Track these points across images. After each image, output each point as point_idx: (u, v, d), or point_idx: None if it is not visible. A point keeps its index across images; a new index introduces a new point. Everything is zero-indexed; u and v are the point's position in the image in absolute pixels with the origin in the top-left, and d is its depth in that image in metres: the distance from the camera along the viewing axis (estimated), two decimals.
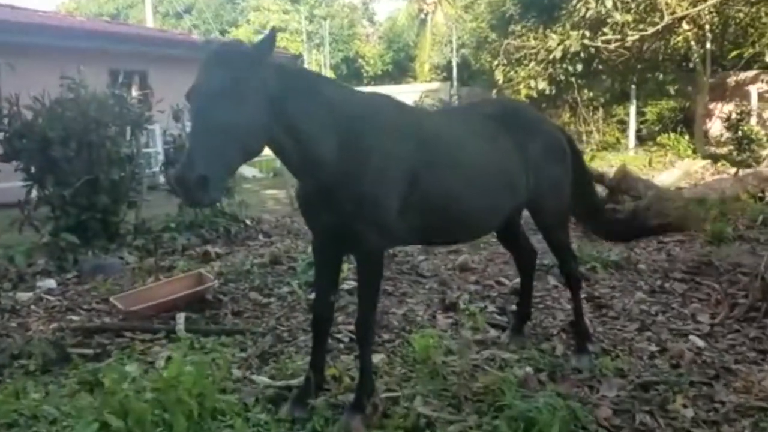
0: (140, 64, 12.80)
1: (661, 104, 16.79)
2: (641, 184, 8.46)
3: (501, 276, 5.09)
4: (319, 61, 27.97)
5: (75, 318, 4.32)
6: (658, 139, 16.01)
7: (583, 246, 5.65)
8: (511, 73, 16.20)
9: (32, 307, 4.58)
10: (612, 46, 14.47)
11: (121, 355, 3.54)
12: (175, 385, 2.58)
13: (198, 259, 5.85)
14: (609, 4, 13.35)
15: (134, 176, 6.60)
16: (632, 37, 14.23)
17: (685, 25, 14.30)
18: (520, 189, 3.19)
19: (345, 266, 4.61)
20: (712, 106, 15.98)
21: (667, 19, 13.60)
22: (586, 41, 14.21)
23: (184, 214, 6.84)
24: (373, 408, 2.76)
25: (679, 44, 15.17)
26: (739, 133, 13.19)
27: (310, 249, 4.11)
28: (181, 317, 4.00)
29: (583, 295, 3.89)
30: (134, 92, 9.74)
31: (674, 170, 11.88)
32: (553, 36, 14.83)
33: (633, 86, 16.32)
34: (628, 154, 15.32)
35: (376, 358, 3.29)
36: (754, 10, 13.80)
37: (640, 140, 16.78)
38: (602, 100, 17.54)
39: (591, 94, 17.24)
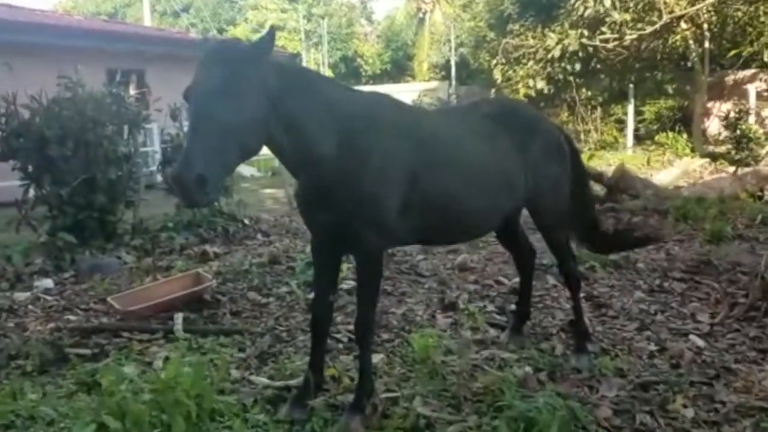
0: (138, 62, 12.77)
1: (660, 103, 16.81)
2: (639, 183, 8.48)
3: (500, 275, 5.08)
4: (317, 60, 27.94)
5: (72, 318, 4.30)
6: (657, 138, 16.02)
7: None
8: (510, 72, 16.20)
9: (30, 306, 4.55)
10: (610, 45, 14.48)
11: (119, 356, 3.53)
12: (173, 386, 2.56)
13: (196, 258, 5.83)
14: (607, 3, 13.36)
15: (131, 175, 6.58)
16: (630, 36, 14.23)
17: (683, 24, 14.31)
18: (519, 188, 3.18)
19: (344, 266, 4.59)
20: (710, 105, 15.99)
21: (665, 18, 13.61)
22: (584, 40, 14.21)
23: (182, 213, 6.82)
24: (373, 408, 2.75)
25: (678, 43, 15.18)
26: (738, 131, 13.20)
27: (308, 249, 4.09)
28: (179, 317, 3.98)
29: (582, 295, 3.88)
30: (131, 91, 9.70)
31: (673, 169, 11.90)
32: (552, 35, 14.82)
33: (631, 85, 16.34)
34: (626, 153, 15.33)
35: (376, 358, 3.28)
36: (752, 9, 13.81)
37: (638, 139, 16.79)
38: (600, 99, 17.56)
39: (589, 93, 17.26)
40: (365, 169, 2.58)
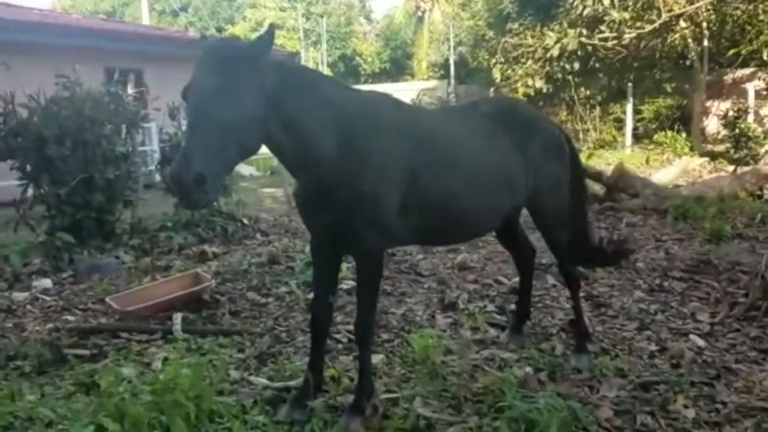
0: (136, 62, 12.74)
1: (658, 102, 16.83)
2: (639, 182, 8.47)
3: (500, 275, 5.07)
4: (316, 59, 27.92)
5: (71, 318, 4.28)
6: (655, 137, 16.03)
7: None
8: (509, 71, 16.21)
9: (28, 307, 4.54)
10: (609, 44, 14.49)
11: (118, 356, 3.51)
12: (172, 387, 2.55)
13: (195, 258, 5.81)
14: (606, 1, 13.37)
15: (130, 175, 6.55)
16: (629, 34, 14.24)
17: (682, 23, 14.32)
18: (519, 188, 3.17)
19: (344, 266, 4.58)
20: (709, 103, 16.01)
21: (664, 16, 13.62)
22: (583, 39, 14.21)
23: (181, 213, 6.79)
24: (373, 409, 2.74)
25: (676, 42, 15.19)
26: (737, 130, 13.21)
27: (308, 248, 4.07)
28: (177, 317, 3.96)
29: (581, 294, 3.87)
30: (130, 90, 9.68)
31: (672, 168, 11.90)
32: (551, 34, 14.82)
33: (630, 84, 16.35)
34: (625, 152, 15.33)
35: (376, 359, 3.27)
36: (751, 7, 13.82)
37: (637, 138, 16.80)
38: (599, 98, 17.57)
39: (588, 92, 17.28)
40: (365, 169, 2.56)
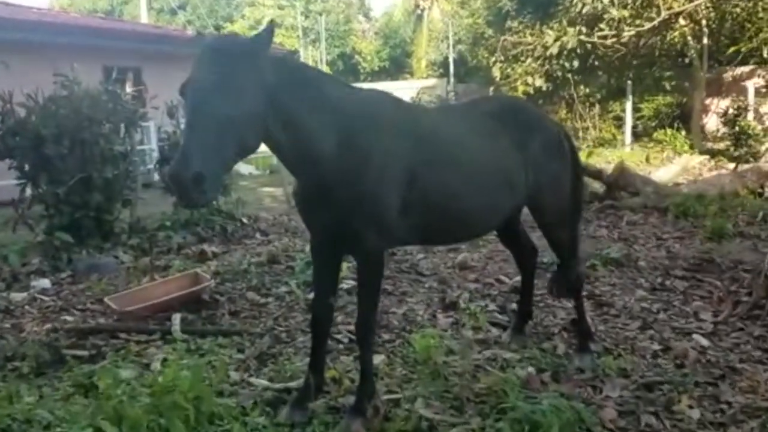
0: (134, 60, 12.70)
1: (658, 100, 16.81)
2: (639, 180, 8.44)
3: (501, 274, 5.05)
4: (315, 57, 27.85)
5: (69, 318, 4.25)
6: (655, 135, 16.01)
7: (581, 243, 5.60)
8: (508, 69, 16.18)
9: (26, 307, 4.51)
10: (608, 42, 14.47)
11: (116, 357, 3.49)
12: (171, 389, 2.52)
13: (194, 258, 5.78)
14: None
15: (128, 174, 6.52)
16: (629, 32, 14.23)
17: (681, 21, 14.30)
18: (519, 187, 3.14)
19: (344, 265, 4.55)
20: (708, 101, 16.00)
21: (663, 14, 13.61)
22: (582, 37, 14.20)
23: (180, 212, 6.76)
24: (374, 411, 2.72)
25: (676, 40, 15.18)
26: (736, 128, 13.20)
27: (308, 248, 4.05)
28: (177, 318, 3.93)
29: (583, 293, 3.84)
30: (128, 89, 9.64)
31: (672, 166, 11.88)
32: (550, 32, 14.81)
33: (629, 82, 16.32)
34: (625, 151, 15.31)
35: (377, 359, 3.23)
36: (751, 4, 13.81)
37: (636, 136, 16.78)
38: (598, 96, 17.55)
39: (587, 90, 17.25)
40: (365, 168, 2.54)
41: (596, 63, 15.64)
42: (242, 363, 3.37)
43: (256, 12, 30.35)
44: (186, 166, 2.07)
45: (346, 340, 3.67)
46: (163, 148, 8.30)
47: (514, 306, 4.08)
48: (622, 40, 14.52)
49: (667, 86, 15.96)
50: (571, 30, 14.34)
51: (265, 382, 3.10)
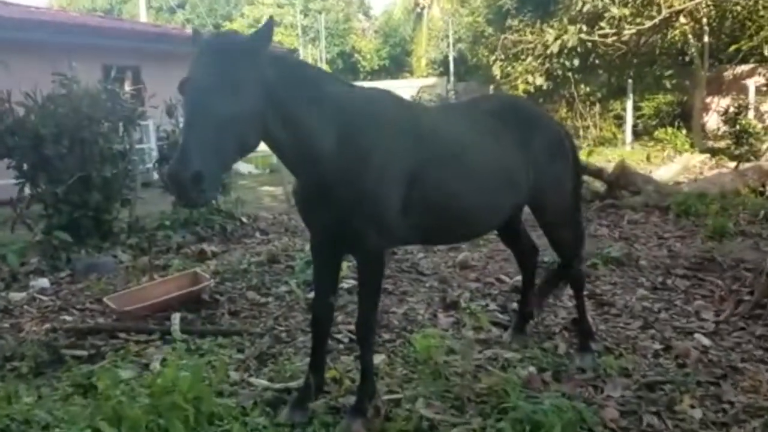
0: (133, 59, 12.67)
1: (658, 98, 16.78)
2: (640, 179, 8.42)
3: (501, 273, 5.03)
4: (314, 56, 27.82)
5: (68, 318, 4.24)
6: (655, 133, 15.98)
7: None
8: (509, 68, 16.16)
9: (25, 307, 4.49)
10: (609, 41, 14.45)
11: (115, 357, 3.48)
12: (171, 389, 2.50)
13: (193, 257, 5.76)
14: None
15: (127, 173, 6.50)
16: (629, 31, 14.21)
17: (682, 19, 14.28)
18: (520, 185, 3.12)
19: (344, 264, 4.53)
20: (709, 100, 15.97)
21: (664, 12, 13.59)
22: (583, 36, 14.17)
23: (179, 211, 6.75)
24: (375, 411, 2.71)
25: (676, 38, 15.15)
26: (737, 127, 13.18)
27: (308, 247, 4.03)
28: (176, 318, 3.92)
29: (584, 293, 3.82)
30: (127, 87, 9.62)
31: (673, 165, 11.84)
32: (550, 30, 14.78)
33: (630, 80, 16.29)
34: (625, 149, 15.29)
35: (377, 359, 3.22)
36: (751, 3, 13.78)
37: (637, 135, 16.75)
38: (599, 94, 17.52)
39: (588, 89, 17.22)
40: (366, 167, 2.52)
41: (597, 61, 15.61)
42: (242, 363, 3.36)
43: (255, 10, 30.29)
44: (185, 165, 2.06)
45: (346, 340, 3.66)
46: (162, 147, 8.29)
47: (515, 305, 4.07)
48: (623, 39, 14.50)
49: (668, 85, 15.93)
50: (571, 28, 14.32)
51: (265, 382, 3.08)
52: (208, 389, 2.69)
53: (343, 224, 2.56)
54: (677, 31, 14.76)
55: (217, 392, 2.87)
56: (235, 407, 2.74)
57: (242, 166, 13.34)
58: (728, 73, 16.05)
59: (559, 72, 15.49)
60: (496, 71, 16.20)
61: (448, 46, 25.97)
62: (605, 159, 12.93)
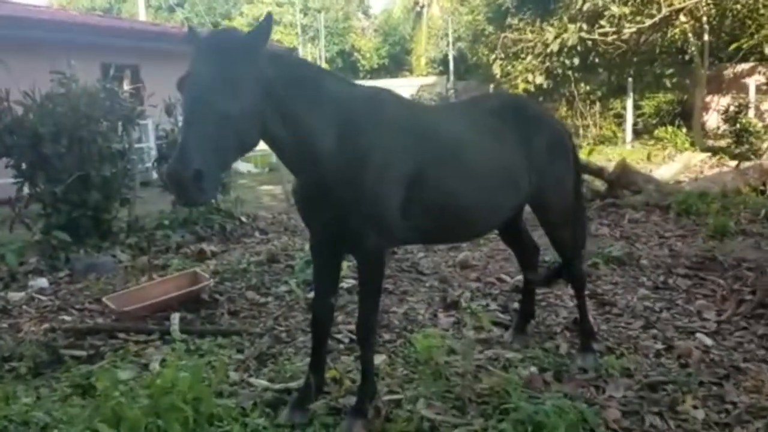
0: (132, 58, 12.64)
1: (659, 97, 16.75)
2: (641, 178, 8.41)
3: (502, 273, 5.01)
4: (314, 55, 27.77)
5: (67, 318, 4.22)
6: (656, 132, 15.96)
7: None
8: (509, 67, 16.13)
9: (24, 307, 4.48)
10: (609, 39, 14.43)
11: (115, 357, 3.46)
12: (170, 390, 2.48)
13: (193, 257, 5.74)
14: None
15: (126, 172, 6.48)
16: (629, 29, 14.19)
17: (682, 17, 14.25)
18: (522, 185, 3.11)
19: (344, 264, 4.51)
20: (709, 98, 15.95)
21: (664, 11, 13.57)
22: (583, 34, 14.15)
23: (178, 211, 6.72)
24: (376, 412, 2.70)
25: (677, 36, 15.13)
26: (737, 125, 13.15)
27: (307, 247, 4.01)
28: (175, 318, 3.90)
29: (585, 292, 3.81)
30: (126, 86, 9.58)
31: (673, 164, 11.82)
32: (550, 29, 14.76)
33: (630, 79, 16.27)
34: (625, 148, 15.27)
35: (378, 359, 3.20)
36: (751, 1, 13.75)
37: (637, 134, 16.73)
38: (599, 93, 17.49)
39: (588, 87, 17.19)
40: (366, 166, 2.50)
41: (597, 60, 15.58)
42: (242, 363, 3.34)
43: (254, 9, 30.22)
44: (185, 163, 2.03)
45: (346, 340, 3.64)
46: (161, 146, 8.26)
47: (515, 305, 4.05)
48: (623, 37, 14.47)
49: (668, 83, 15.89)
50: (571, 27, 14.29)
51: (265, 383, 3.07)
52: (208, 390, 2.67)
53: (342, 224, 2.54)
54: (677, 30, 14.73)
55: (217, 393, 2.85)
56: (235, 408, 2.73)
57: (241, 165, 13.32)
58: (728, 72, 16.03)
59: (559, 71, 15.46)
60: (496, 70, 16.18)
61: (447, 44, 25.93)
62: (605, 158, 12.92)
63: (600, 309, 4.18)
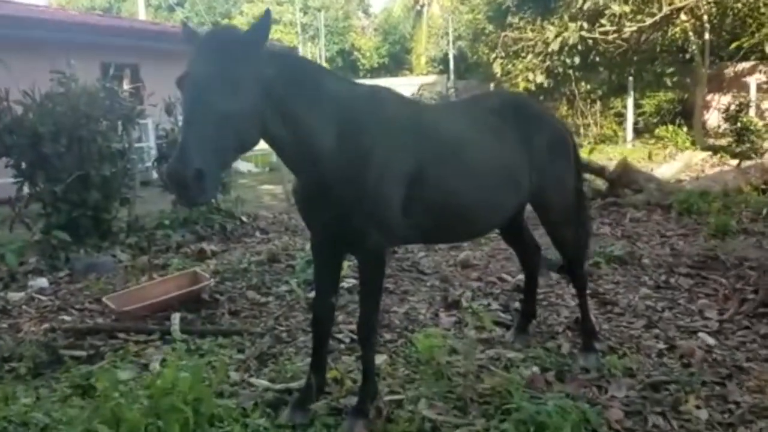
0: (132, 57, 12.62)
1: (659, 96, 16.72)
2: (642, 177, 8.39)
3: (503, 272, 5.00)
4: (314, 54, 27.74)
5: (67, 318, 4.21)
6: (656, 131, 15.94)
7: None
8: (509, 65, 16.10)
9: (24, 307, 4.47)
10: (610, 38, 14.40)
11: (115, 358, 3.45)
12: (170, 390, 2.47)
13: (193, 257, 5.73)
14: None
15: (126, 172, 6.46)
16: (630, 28, 14.16)
17: (683, 16, 14.22)
18: (523, 184, 3.09)
19: (345, 263, 4.50)
20: (710, 97, 15.91)
21: (665, 9, 13.54)
22: (583, 33, 14.12)
23: (178, 210, 6.71)
24: (377, 412, 2.69)
25: (677, 35, 15.10)
26: (738, 124, 13.13)
27: (308, 246, 4.00)
28: (176, 317, 3.89)
29: (587, 292, 3.79)
30: (125, 86, 9.57)
31: (674, 163, 11.80)
32: (551, 28, 14.73)
33: (630, 78, 16.24)
34: (626, 147, 15.25)
35: (379, 359, 3.19)
36: (752, 0, 13.71)
37: (638, 133, 16.70)
38: (600, 92, 17.46)
39: (588, 86, 17.16)
40: (367, 165, 2.49)
41: (597, 59, 15.55)
42: (242, 363, 3.33)
43: (254, 8, 30.17)
44: (185, 163, 2.02)
45: (347, 340, 3.63)
46: (161, 145, 8.25)
47: (517, 305, 4.03)
48: (624, 36, 14.44)
49: (669, 82, 15.86)
50: (572, 26, 14.26)
51: (265, 383, 3.06)
52: (208, 390, 2.66)
53: (343, 223, 2.53)
54: (678, 29, 14.70)
55: (218, 393, 2.85)
56: (236, 408, 2.72)
57: (242, 165, 13.31)
58: (729, 71, 16.00)
59: (560, 69, 15.43)
60: (497, 69, 16.15)
61: (448, 43, 25.91)
62: (606, 157, 12.89)
63: (602, 308, 4.17)
